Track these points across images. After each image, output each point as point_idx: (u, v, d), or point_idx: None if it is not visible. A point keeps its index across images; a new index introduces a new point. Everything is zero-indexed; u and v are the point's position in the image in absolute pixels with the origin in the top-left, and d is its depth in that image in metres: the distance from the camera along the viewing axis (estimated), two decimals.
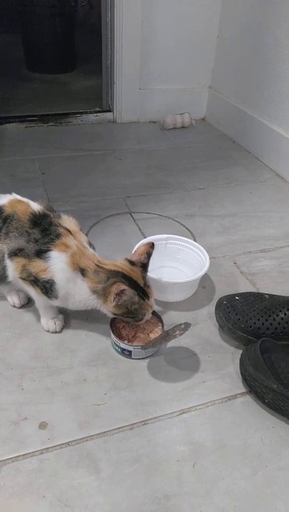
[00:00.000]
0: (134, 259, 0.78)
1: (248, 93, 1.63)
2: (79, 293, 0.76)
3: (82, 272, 0.75)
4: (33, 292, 0.78)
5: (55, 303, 0.79)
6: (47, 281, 0.75)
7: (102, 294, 0.75)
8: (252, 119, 1.61)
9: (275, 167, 1.51)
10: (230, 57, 1.72)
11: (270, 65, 1.47)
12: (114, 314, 0.77)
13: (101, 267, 0.75)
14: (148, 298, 0.77)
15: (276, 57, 1.44)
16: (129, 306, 0.74)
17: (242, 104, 1.68)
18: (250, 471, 0.64)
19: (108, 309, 0.76)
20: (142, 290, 0.76)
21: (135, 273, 0.76)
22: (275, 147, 1.50)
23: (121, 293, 0.72)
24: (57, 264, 0.74)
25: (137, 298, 0.74)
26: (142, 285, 0.76)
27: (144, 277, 0.77)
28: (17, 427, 0.68)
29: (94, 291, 0.75)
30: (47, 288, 0.76)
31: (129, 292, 0.72)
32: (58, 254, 0.74)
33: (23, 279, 0.77)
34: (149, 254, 0.79)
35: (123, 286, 0.71)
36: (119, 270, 0.75)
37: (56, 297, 0.76)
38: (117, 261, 0.78)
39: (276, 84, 1.46)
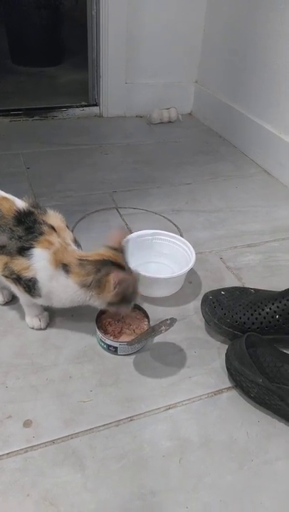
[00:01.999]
0: (115, 245, 0.77)
1: (235, 88, 1.63)
2: (64, 290, 0.74)
3: (65, 268, 0.73)
4: (17, 290, 0.77)
5: (39, 301, 0.77)
6: (29, 280, 0.73)
7: (96, 285, 0.72)
8: (239, 114, 1.61)
9: (262, 162, 1.51)
10: (217, 51, 1.72)
11: (258, 59, 1.47)
12: (110, 304, 0.75)
13: (84, 259, 0.73)
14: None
15: (263, 51, 1.44)
16: (128, 292, 0.74)
17: (229, 99, 1.68)
18: (236, 465, 0.65)
19: (104, 300, 0.74)
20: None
21: (119, 258, 0.75)
22: (262, 142, 1.50)
23: (122, 281, 0.71)
24: (39, 262, 0.73)
25: (135, 282, 0.74)
26: (126, 269, 0.75)
27: (126, 263, 0.77)
28: (1, 425, 0.67)
29: (83, 285, 0.73)
30: (30, 286, 0.74)
31: (130, 279, 0.72)
32: (40, 252, 0.73)
33: (6, 276, 0.76)
34: (126, 240, 0.80)
35: (122, 274, 0.71)
36: (106, 258, 0.73)
37: (39, 295, 0.75)
38: (99, 250, 0.76)
39: (263, 79, 1.46)
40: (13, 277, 0.75)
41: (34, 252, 0.73)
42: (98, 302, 0.75)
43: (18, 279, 0.75)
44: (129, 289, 0.73)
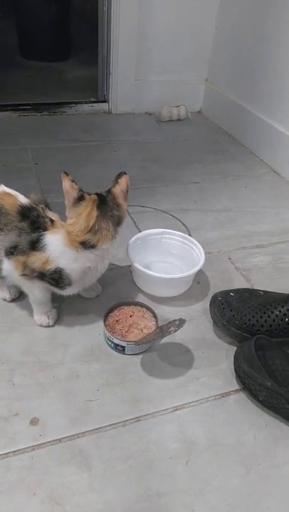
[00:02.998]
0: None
1: (246, 87, 1.61)
2: (103, 259, 0.76)
3: (86, 245, 0.72)
4: (34, 288, 0.77)
5: (69, 291, 0.77)
6: (54, 271, 0.73)
7: (97, 231, 0.72)
8: (249, 113, 1.59)
9: (271, 162, 1.50)
10: (228, 49, 1.70)
11: (269, 58, 1.46)
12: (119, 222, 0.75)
13: (88, 225, 0.72)
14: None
15: (275, 51, 1.42)
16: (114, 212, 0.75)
17: (239, 98, 1.66)
18: (243, 469, 0.64)
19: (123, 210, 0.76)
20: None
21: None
22: (272, 142, 1.49)
23: (117, 205, 0.74)
24: (56, 250, 0.72)
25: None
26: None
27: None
28: (7, 422, 0.67)
29: (112, 237, 0.73)
30: (56, 279, 0.73)
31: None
32: (52, 239, 0.72)
33: (26, 275, 0.74)
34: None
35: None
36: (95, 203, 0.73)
37: (70, 284, 0.74)
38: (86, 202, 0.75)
39: (275, 79, 1.45)
40: (36, 275, 0.74)
41: (46, 241, 0.72)
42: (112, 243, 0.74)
43: (41, 277, 0.74)
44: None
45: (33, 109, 1.75)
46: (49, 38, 2.44)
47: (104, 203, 0.73)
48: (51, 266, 0.72)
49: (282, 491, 0.62)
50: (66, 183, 0.73)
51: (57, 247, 0.72)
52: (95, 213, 0.72)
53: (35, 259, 0.72)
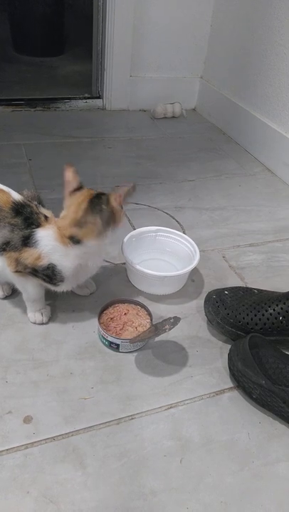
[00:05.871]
0: (73, 188, 0.77)
1: (241, 85, 1.61)
2: (90, 256, 0.75)
3: (74, 240, 0.72)
4: (28, 285, 0.76)
5: (63, 287, 0.76)
6: (47, 268, 0.72)
7: (83, 226, 0.72)
8: (243, 111, 1.59)
9: (265, 161, 1.51)
10: (223, 47, 1.70)
11: (265, 57, 1.46)
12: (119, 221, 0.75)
13: (75, 219, 0.72)
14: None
15: (271, 49, 1.43)
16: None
17: (234, 96, 1.67)
18: (236, 466, 0.64)
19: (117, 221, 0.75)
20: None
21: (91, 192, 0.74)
22: (266, 141, 1.49)
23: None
24: (48, 245, 0.71)
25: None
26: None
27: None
28: (1, 420, 0.66)
29: (99, 234, 0.73)
30: (49, 275, 0.73)
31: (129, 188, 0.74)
32: (44, 234, 0.71)
33: (19, 271, 0.74)
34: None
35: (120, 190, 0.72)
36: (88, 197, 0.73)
37: (62, 280, 0.74)
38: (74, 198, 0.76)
39: (270, 77, 1.45)
40: (28, 271, 0.73)
41: (38, 237, 0.71)
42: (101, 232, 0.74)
43: (34, 273, 0.73)
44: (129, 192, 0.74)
45: (26, 104, 1.74)
46: (43, 32, 2.42)
47: (98, 199, 0.73)
48: (43, 262, 0.72)
49: (275, 488, 0.62)
50: (69, 173, 0.75)
51: (48, 243, 0.71)
52: (83, 206, 0.72)
53: (28, 256, 0.72)
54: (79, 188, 0.75)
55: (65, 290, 0.79)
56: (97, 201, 0.73)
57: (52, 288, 0.77)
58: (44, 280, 0.74)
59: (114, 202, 0.74)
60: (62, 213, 0.74)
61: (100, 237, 0.73)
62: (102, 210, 0.72)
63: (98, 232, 0.73)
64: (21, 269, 0.73)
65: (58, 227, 0.72)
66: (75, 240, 0.72)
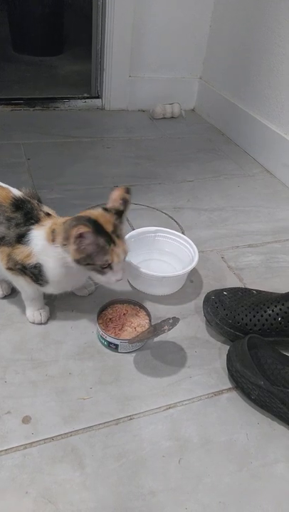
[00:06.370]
0: (108, 206, 0.73)
1: (240, 86, 1.62)
2: (57, 262, 0.71)
3: (53, 234, 0.70)
4: (22, 282, 0.76)
5: (49, 289, 0.76)
6: (34, 266, 0.72)
7: (66, 239, 0.67)
8: (243, 112, 1.60)
9: (264, 162, 1.51)
10: (223, 48, 1.70)
11: (264, 58, 1.46)
12: (77, 261, 0.68)
13: (68, 219, 0.69)
14: (114, 244, 0.68)
15: (270, 50, 1.43)
16: (93, 253, 0.67)
17: (233, 97, 1.67)
18: (235, 467, 0.64)
19: (72, 256, 0.68)
20: (109, 236, 0.68)
21: (104, 218, 0.69)
22: (265, 142, 1.49)
23: (81, 236, 0.65)
24: (38, 245, 0.71)
25: (100, 240, 0.67)
26: (109, 231, 0.68)
27: (115, 225, 0.70)
28: None
29: (63, 244, 0.68)
30: (36, 274, 0.73)
31: (90, 236, 0.65)
32: (36, 233, 0.71)
33: (11, 268, 0.74)
34: (125, 200, 0.72)
35: (84, 229, 0.64)
36: (84, 216, 0.68)
37: (47, 281, 0.74)
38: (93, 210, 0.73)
39: (269, 78, 1.45)
40: (18, 268, 0.74)
41: (31, 236, 0.71)
42: (70, 261, 0.69)
43: (23, 270, 0.73)
44: (91, 247, 0.67)
45: (25, 103, 1.73)
46: (42, 32, 2.42)
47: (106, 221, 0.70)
48: (32, 260, 0.72)
49: (273, 489, 0.62)
50: (118, 193, 0.73)
51: (38, 242, 0.71)
52: (86, 213, 0.70)
53: (19, 252, 0.72)
54: (110, 210, 0.72)
55: (53, 293, 0.79)
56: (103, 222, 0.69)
57: (40, 288, 0.77)
58: (31, 278, 0.74)
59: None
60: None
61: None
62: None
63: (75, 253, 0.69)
64: (12, 266, 0.74)
65: (52, 223, 0.72)
66: (53, 236, 0.70)
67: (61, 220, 0.73)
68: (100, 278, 0.72)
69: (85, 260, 0.68)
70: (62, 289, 0.79)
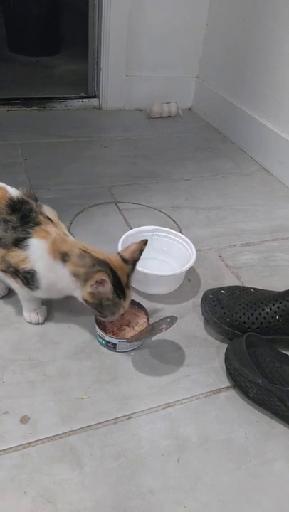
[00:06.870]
0: (126, 255, 0.75)
1: (237, 84, 1.62)
2: (61, 280, 0.73)
3: (64, 257, 0.71)
4: (15, 284, 0.76)
5: (39, 294, 0.76)
6: (27, 272, 0.72)
7: (83, 278, 0.71)
8: (239, 110, 1.60)
9: (261, 160, 1.51)
10: (219, 46, 1.70)
11: (260, 56, 1.46)
12: (85, 301, 0.73)
13: (88, 253, 0.72)
14: (124, 298, 0.73)
15: (266, 49, 1.43)
16: (103, 301, 0.72)
17: (230, 96, 1.67)
18: (234, 465, 0.64)
19: (82, 294, 0.72)
20: (122, 289, 0.73)
21: (122, 270, 0.73)
22: (262, 140, 1.49)
23: (101, 283, 0.69)
24: (36, 253, 0.71)
25: (112, 295, 0.71)
26: (123, 283, 0.73)
27: (128, 276, 0.74)
28: None
29: (74, 274, 0.71)
30: (28, 279, 0.73)
31: (108, 287, 0.69)
32: (37, 242, 0.71)
33: (3, 270, 0.74)
34: (141, 252, 0.76)
35: (106, 278, 0.68)
36: (107, 262, 0.72)
37: (38, 288, 0.74)
38: (110, 253, 0.75)
39: (266, 77, 1.45)
40: (11, 270, 0.73)
41: (31, 243, 0.71)
42: (78, 294, 0.73)
43: (15, 272, 0.73)
44: (104, 298, 0.71)
45: (22, 103, 1.73)
46: (38, 32, 2.41)
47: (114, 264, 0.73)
48: (26, 266, 0.72)
49: (272, 487, 0.62)
50: (137, 246, 0.76)
51: (38, 251, 0.71)
52: (106, 258, 0.72)
53: (14, 255, 0.72)
54: (128, 261, 0.75)
55: (43, 297, 0.79)
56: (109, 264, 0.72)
57: (31, 292, 0.76)
58: (22, 282, 0.74)
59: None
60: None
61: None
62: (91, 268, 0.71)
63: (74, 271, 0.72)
64: (4, 268, 0.74)
65: (56, 238, 0.72)
66: (63, 258, 0.72)
67: (73, 243, 0.73)
68: (97, 314, 0.76)
69: (94, 305, 0.73)
70: (53, 296, 0.79)
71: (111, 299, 0.71)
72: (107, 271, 0.70)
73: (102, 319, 0.78)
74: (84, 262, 0.71)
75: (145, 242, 0.77)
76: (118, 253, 0.76)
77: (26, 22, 2.36)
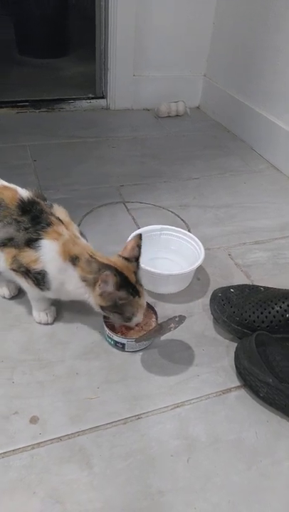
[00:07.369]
0: (126, 255, 0.75)
1: (244, 82, 1.60)
2: (71, 282, 0.73)
3: (74, 260, 0.72)
4: (25, 284, 0.76)
5: (49, 294, 0.76)
6: (38, 272, 0.73)
7: (92, 283, 0.72)
8: (248, 108, 1.58)
9: (270, 158, 1.49)
10: (226, 45, 1.69)
11: (268, 54, 1.45)
12: (101, 307, 0.74)
13: (94, 258, 0.73)
14: (138, 296, 0.73)
15: (273, 46, 1.41)
16: (117, 300, 0.72)
17: (237, 93, 1.65)
18: (244, 465, 0.64)
19: (94, 300, 0.73)
20: (133, 287, 0.73)
21: (128, 269, 0.73)
22: (271, 138, 1.48)
23: (106, 278, 0.68)
24: (48, 254, 0.72)
25: (124, 293, 0.71)
26: (133, 282, 0.73)
27: (136, 274, 0.74)
28: (7, 421, 0.66)
29: (84, 280, 0.72)
30: (39, 279, 0.73)
31: (111, 280, 0.68)
32: (49, 243, 0.72)
33: (14, 270, 0.75)
34: (139, 247, 0.76)
35: (111, 277, 0.68)
36: (112, 265, 0.72)
37: (49, 288, 0.74)
38: (111, 257, 0.75)
39: (273, 74, 1.44)
40: (22, 270, 0.74)
41: (42, 244, 0.72)
42: (93, 302, 0.74)
43: (26, 272, 0.74)
44: (117, 297, 0.71)
45: (31, 105, 1.74)
46: (46, 34, 2.43)
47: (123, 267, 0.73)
48: (38, 266, 0.72)
49: (283, 487, 0.62)
50: (133, 243, 0.76)
51: (50, 252, 0.72)
52: (110, 262, 0.72)
53: (26, 255, 0.72)
54: (131, 260, 0.75)
55: (53, 297, 0.79)
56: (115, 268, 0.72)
57: (41, 292, 0.77)
58: (33, 282, 0.74)
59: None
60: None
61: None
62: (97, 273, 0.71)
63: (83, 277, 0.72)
64: (16, 268, 0.74)
65: (67, 240, 0.73)
66: (73, 261, 0.72)
67: (82, 246, 0.74)
68: (120, 321, 0.76)
69: (113, 308, 0.73)
70: (62, 297, 0.79)
71: (125, 297, 0.71)
72: (114, 272, 0.69)
73: (128, 324, 0.77)
74: (91, 268, 0.72)
75: (140, 236, 0.77)
76: (119, 255, 0.76)
77: (35, 25, 2.37)
